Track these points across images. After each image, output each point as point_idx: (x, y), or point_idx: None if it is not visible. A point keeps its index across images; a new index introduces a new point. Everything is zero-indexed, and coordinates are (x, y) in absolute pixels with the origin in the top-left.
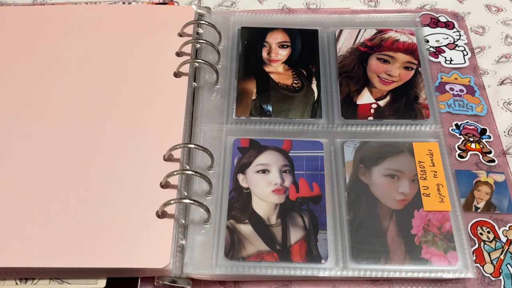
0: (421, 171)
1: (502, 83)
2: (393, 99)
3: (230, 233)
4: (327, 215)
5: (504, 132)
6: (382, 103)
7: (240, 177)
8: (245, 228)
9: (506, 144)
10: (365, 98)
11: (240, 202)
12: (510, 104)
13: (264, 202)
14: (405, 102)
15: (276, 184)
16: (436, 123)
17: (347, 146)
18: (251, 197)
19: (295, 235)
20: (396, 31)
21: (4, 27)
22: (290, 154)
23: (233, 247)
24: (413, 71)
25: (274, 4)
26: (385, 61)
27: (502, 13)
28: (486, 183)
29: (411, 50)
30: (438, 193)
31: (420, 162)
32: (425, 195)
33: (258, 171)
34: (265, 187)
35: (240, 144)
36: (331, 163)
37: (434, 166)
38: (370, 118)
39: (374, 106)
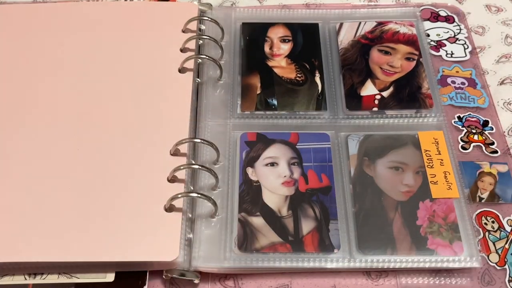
0: (427, 159)
1: (502, 83)
2: (397, 90)
3: (243, 225)
4: (337, 205)
5: (505, 132)
6: (385, 94)
7: (249, 170)
8: (257, 221)
9: (507, 145)
10: (368, 89)
11: (250, 195)
12: (510, 104)
13: (274, 195)
14: (408, 92)
15: (285, 176)
16: (439, 114)
17: (351, 140)
18: (261, 190)
19: (307, 226)
20: (396, 22)
21: (6, 26)
22: (297, 147)
23: (246, 239)
24: (415, 61)
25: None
26: (386, 53)
27: (502, 13)
28: (490, 173)
29: (411, 41)
30: (446, 181)
31: (426, 151)
32: (433, 183)
33: (266, 164)
34: (274, 179)
35: (247, 138)
36: (336, 155)
37: (440, 154)
38: (375, 109)
39: (378, 97)
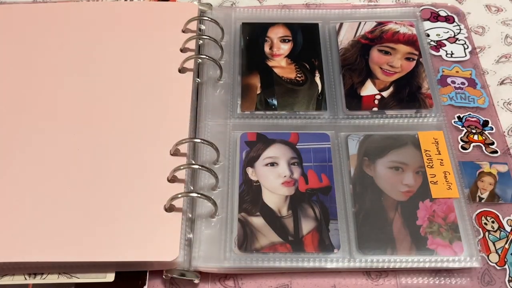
0: (427, 159)
1: (502, 83)
2: (397, 90)
3: (242, 225)
4: (337, 205)
5: (505, 132)
6: (385, 94)
7: (249, 170)
8: (257, 221)
9: (507, 145)
10: (368, 89)
11: (250, 195)
12: (510, 104)
13: (274, 195)
14: (408, 92)
15: (285, 176)
16: (439, 114)
17: (351, 140)
18: (261, 190)
19: (307, 226)
20: (396, 22)
21: (6, 26)
22: (297, 147)
23: (246, 239)
24: (415, 61)
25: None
26: (386, 53)
27: (502, 13)
28: (490, 173)
29: (411, 41)
30: (446, 181)
31: (426, 151)
32: (433, 183)
33: (266, 164)
34: (274, 179)
35: (247, 138)
36: (336, 155)
37: (440, 154)
38: (375, 109)
39: (378, 97)
